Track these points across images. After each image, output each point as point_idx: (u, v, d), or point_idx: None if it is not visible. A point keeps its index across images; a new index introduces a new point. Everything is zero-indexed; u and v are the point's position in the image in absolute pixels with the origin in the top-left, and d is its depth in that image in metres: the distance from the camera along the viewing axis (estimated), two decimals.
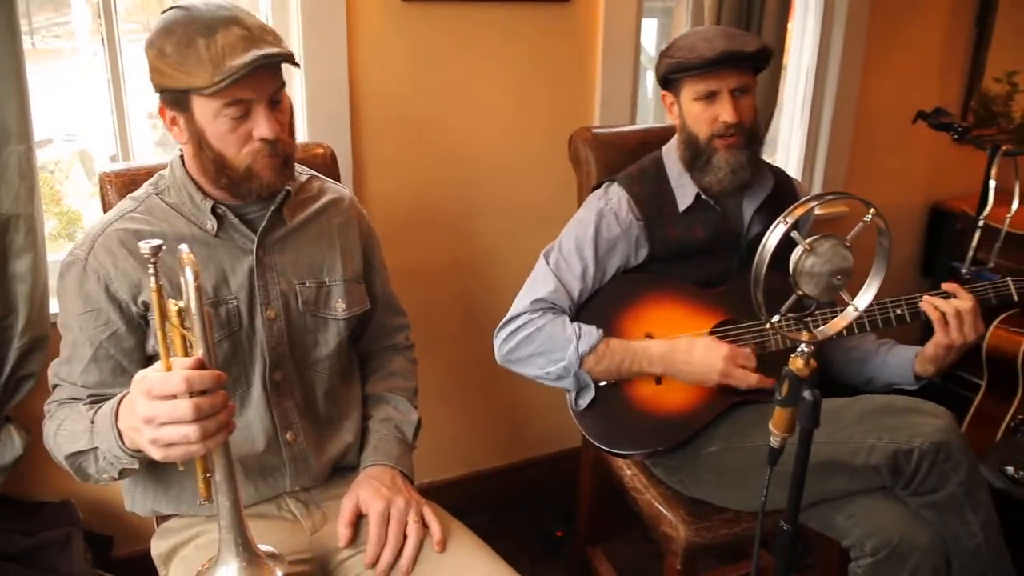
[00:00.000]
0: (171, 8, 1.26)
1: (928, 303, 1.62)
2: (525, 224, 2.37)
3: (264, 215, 1.38)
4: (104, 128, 1.97)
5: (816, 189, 2.90)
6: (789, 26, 2.57)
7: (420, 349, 1.74)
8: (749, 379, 1.61)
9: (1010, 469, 1.93)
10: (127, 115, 1.94)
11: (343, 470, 1.52)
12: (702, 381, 1.63)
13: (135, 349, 1.33)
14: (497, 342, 1.71)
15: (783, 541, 1.19)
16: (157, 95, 1.29)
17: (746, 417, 1.65)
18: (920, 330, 1.64)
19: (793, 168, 2.88)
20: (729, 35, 1.66)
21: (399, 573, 1.32)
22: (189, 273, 1.02)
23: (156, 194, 1.38)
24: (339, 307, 1.46)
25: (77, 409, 1.28)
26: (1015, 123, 3.20)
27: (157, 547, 1.44)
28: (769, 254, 1.07)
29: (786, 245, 1.08)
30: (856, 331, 1.66)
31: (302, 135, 2.00)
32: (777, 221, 1.08)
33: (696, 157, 1.71)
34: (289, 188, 1.39)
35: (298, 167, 1.47)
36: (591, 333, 1.64)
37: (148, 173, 1.45)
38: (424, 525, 1.37)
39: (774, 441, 1.15)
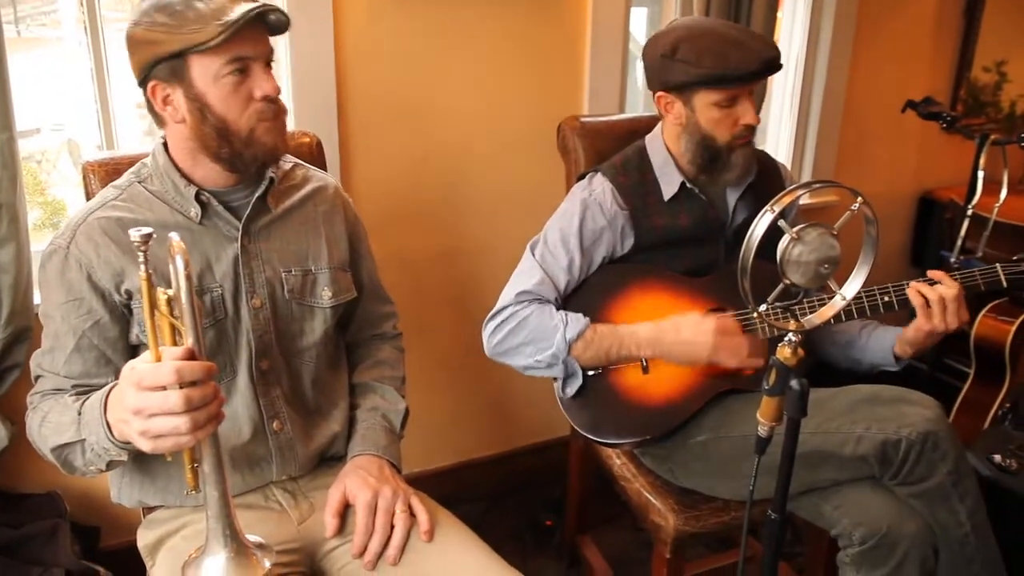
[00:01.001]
0: None
1: (913, 289, 1.62)
2: (513, 213, 2.37)
3: (248, 202, 1.37)
4: (90, 118, 1.95)
5: (805, 178, 2.90)
6: (779, 15, 2.57)
7: (408, 338, 1.73)
8: (740, 346, 1.60)
9: (997, 457, 1.94)
10: (111, 104, 1.93)
11: (330, 460, 1.51)
12: (693, 359, 1.62)
13: (119, 339, 1.31)
14: (485, 335, 1.71)
15: (771, 530, 1.19)
16: (144, 78, 1.27)
17: (734, 406, 1.65)
18: (908, 318, 1.64)
19: (782, 157, 2.88)
20: (747, 35, 1.61)
21: (386, 563, 1.32)
22: (179, 261, 1.01)
23: (139, 182, 1.36)
24: (325, 295, 1.45)
25: (63, 400, 1.27)
26: (1004, 112, 3.21)
27: (144, 538, 1.43)
28: (756, 242, 1.07)
29: (773, 233, 1.08)
30: (844, 319, 1.66)
31: (288, 123, 1.98)
32: (764, 210, 1.07)
33: (715, 159, 1.68)
34: (273, 176, 1.38)
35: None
36: (578, 320, 1.63)
37: (132, 162, 1.43)
38: (412, 515, 1.37)
39: (762, 430, 1.15)
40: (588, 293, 1.73)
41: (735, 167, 1.69)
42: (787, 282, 1.09)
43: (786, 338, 1.11)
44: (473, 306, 2.36)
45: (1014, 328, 2.45)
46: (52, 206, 2.14)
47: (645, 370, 1.68)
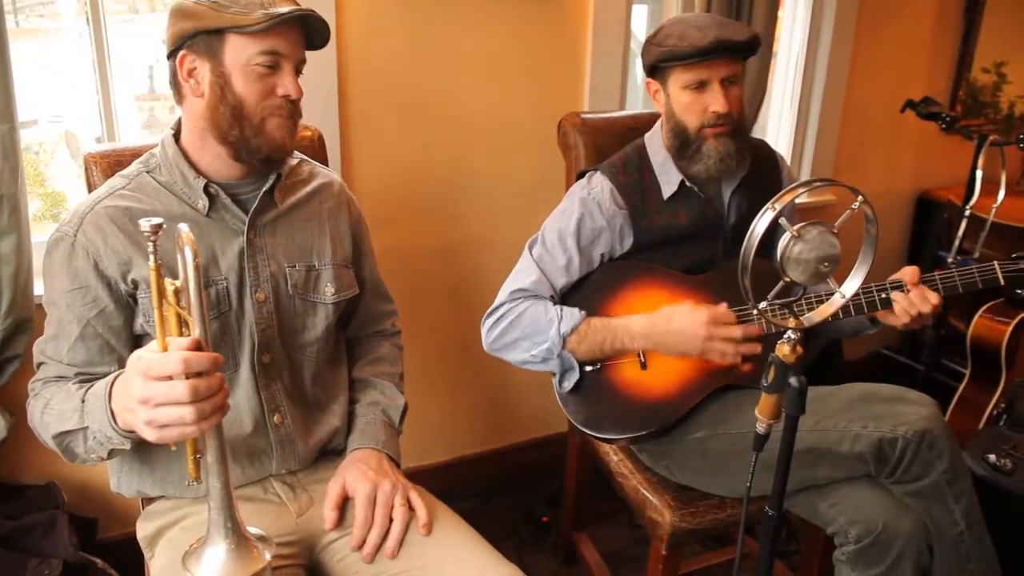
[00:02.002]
0: None
1: (898, 297, 1.63)
2: (513, 209, 2.37)
3: (256, 196, 1.37)
4: (90, 109, 1.95)
5: (805, 177, 2.90)
6: (780, 14, 2.58)
7: (408, 333, 1.74)
8: (733, 333, 1.61)
9: (992, 457, 1.95)
10: (112, 96, 1.92)
11: (329, 453, 1.51)
12: (686, 350, 1.63)
13: (123, 328, 1.32)
14: (483, 331, 1.72)
15: (768, 527, 1.20)
16: (176, 48, 1.29)
17: (732, 403, 1.65)
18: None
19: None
20: (719, 23, 1.64)
21: (385, 556, 1.33)
22: (188, 253, 1.01)
23: (147, 172, 1.37)
24: (328, 291, 1.46)
25: (66, 388, 1.27)
26: (1002, 113, 3.22)
27: (143, 529, 1.43)
28: (757, 240, 1.07)
29: (772, 231, 1.08)
30: (842, 316, 1.67)
31: None
32: (765, 208, 1.08)
33: (685, 146, 1.70)
34: (280, 171, 1.39)
35: None
36: (572, 314, 1.64)
37: (134, 154, 1.44)
38: (410, 508, 1.38)
39: (760, 427, 1.15)
40: (587, 291, 1.74)
41: (707, 158, 1.69)
42: (787, 280, 1.10)
43: (785, 335, 1.11)
44: (471, 302, 2.36)
45: (1010, 328, 2.46)
46: (52, 197, 2.14)
47: (643, 366, 1.68)
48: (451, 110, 2.22)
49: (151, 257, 1.01)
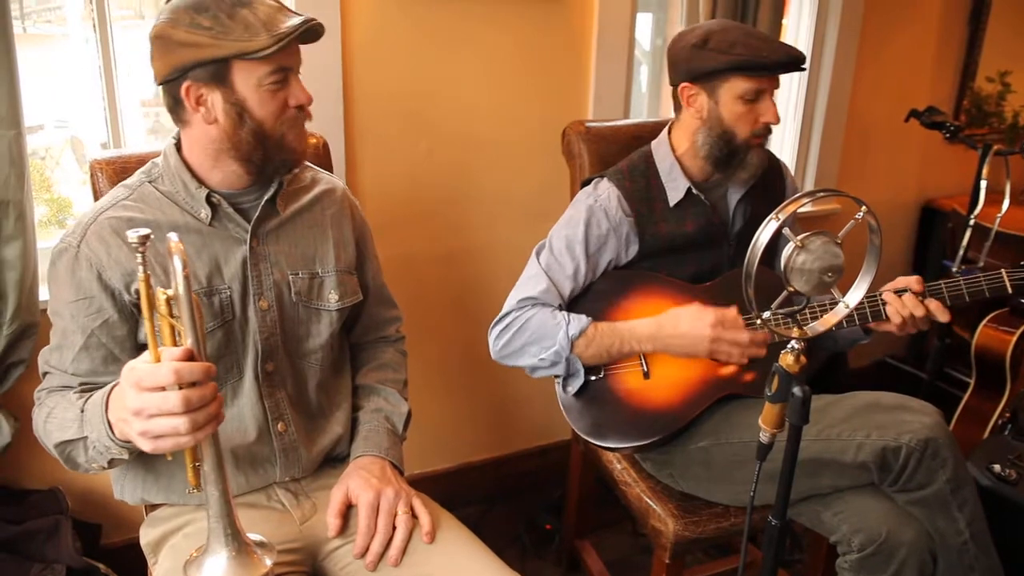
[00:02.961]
0: None
1: (890, 299, 1.64)
2: (517, 217, 2.37)
3: (258, 204, 1.37)
4: (95, 115, 1.95)
5: (808, 186, 2.90)
6: (784, 22, 2.58)
7: (411, 340, 1.74)
8: (740, 337, 1.61)
9: (996, 467, 1.94)
10: (118, 102, 1.93)
11: (333, 461, 1.52)
12: (693, 353, 1.63)
13: (127, 338, 1.32)
14: (491, 340, 1.73)
15: (771, 536, 1.20)
16: (176, 78, 1.26)
17: (736, 412, 1.65)
18: None
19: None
20: (772, 37, 1.67)
21: (388, 563, 1.33)
22: (177, 262, 1.01)
23: (149, 182, 1.37)
24: (332, 298, 1.46)
25: (68, 397, 1.28)
26: (1007, 123, 3.22)
27: (146, 536, 1.43)
28: (761, 250, 1.07)
29: (776, 241, 1.08)
30: (845, 326, 1.67)
31: None
32: (769, 217, 1.08)
33: (732, 155, 1.70)
34: (283, 178, 1.39)
35: None
36: (579, 319, 1.65)
37: (140, 161, 1.44)
38: (413, 516, 1.38)
39: (763, 437, 1.15)
40: (592, 299, 1.74)
41: (749, 166, 1.71)
42: (791, 289, 1.10)
43: (789, 345, 1.11)
44: (476, 309, 2.36)
45: (1014, 338, 2.46)
46: (58, 203, 2.14)
47: (646, 375, 1.68)
48: (456, 117, 2.23)
49: (140, 268, 1.01)
